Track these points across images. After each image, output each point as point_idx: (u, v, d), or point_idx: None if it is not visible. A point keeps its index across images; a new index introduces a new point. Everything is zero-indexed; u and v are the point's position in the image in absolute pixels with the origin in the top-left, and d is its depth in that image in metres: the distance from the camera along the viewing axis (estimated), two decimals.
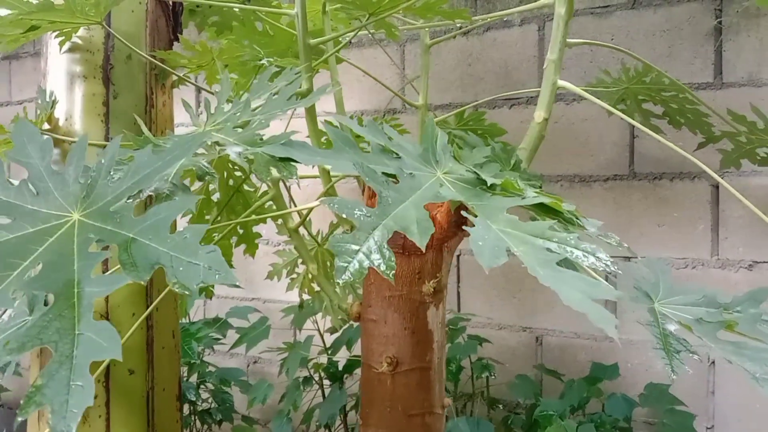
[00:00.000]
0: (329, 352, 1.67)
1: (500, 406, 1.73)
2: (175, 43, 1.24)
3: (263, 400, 1.68)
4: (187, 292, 0.49)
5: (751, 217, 1.55)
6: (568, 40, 1.14)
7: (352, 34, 1.11)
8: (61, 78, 1.11)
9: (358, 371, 1.73)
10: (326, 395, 1.76)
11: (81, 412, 0.42)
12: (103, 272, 1.06)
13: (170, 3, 1.21)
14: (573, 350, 1.76)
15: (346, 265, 0.54)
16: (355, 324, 1.67)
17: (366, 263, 0.54)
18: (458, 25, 1.77)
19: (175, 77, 1.20)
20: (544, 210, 0.68)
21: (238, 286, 0.46)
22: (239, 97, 0.85)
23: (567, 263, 0.57)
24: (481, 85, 1.86)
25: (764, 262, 1.54)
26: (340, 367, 1.71)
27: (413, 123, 1.90)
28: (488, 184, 0.67)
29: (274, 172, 0.63)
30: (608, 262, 0.58)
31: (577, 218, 0.69)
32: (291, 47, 1.35)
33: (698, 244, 1.61)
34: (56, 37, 1.05)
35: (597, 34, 1.70)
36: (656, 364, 1.67)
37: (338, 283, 0.53)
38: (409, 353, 1.08)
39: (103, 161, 0.59)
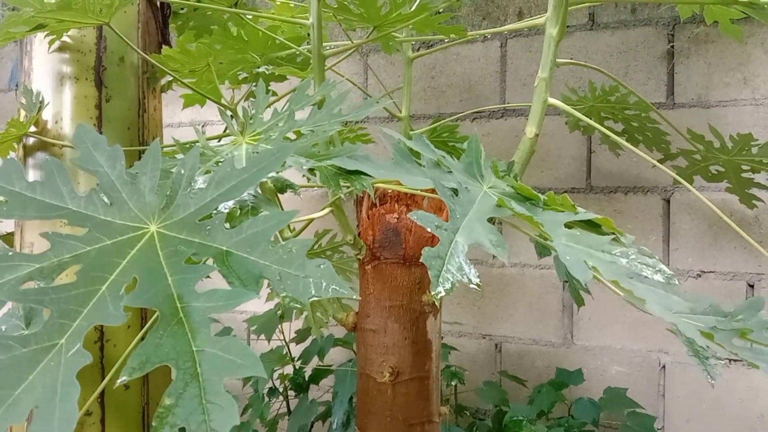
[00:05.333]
0: (300, 361, 1.65)
1: (466, 412, 1.77)
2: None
3: None
4: (298, 306, 0.49)
5: (699, 229, 1.66)
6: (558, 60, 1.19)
7: (357, 45, 1.11)
8: (48, 78, 1.05)
9: (324, 381, 1.72)
10: (290, 406, 1.74)
11: None
12: None
13: (159, 4, 1.17)
14: (531, 357, 1.83)
15: (437, 276, 0.55)
16: (326, 334, 1.66)
17: (456, 278, 0.56)
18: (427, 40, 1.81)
19: (163, 82, 1.17)
20: (590, 225, 0.71)
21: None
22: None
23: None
24: (444, 98, 1.90)
25: (711, 271, 1.65)
26: (306, 378, 1.70)
27: (375, 132, 1.92)
28: (540, 200, 0.70)
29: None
30: (670, 275, 0.61)
31: (614, 233, 0.73)
32: (265, 53, 1.34)
33: None
34: (47, 35, 1.00)
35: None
36: (610, 369, 1.76)
37: (437, 294, 0.54)
38: (410, 363, 1.09)
39: (182, 171, 0.57)
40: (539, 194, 0.72)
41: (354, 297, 0.47)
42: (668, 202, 1.70)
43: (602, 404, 1.56)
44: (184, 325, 0.47)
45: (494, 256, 1.84)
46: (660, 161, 1.55)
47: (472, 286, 0.56)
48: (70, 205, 0.56)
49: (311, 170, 0.66)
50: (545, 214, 0.68)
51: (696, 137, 1.45)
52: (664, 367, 1.70)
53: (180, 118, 2.19)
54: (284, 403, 1.74)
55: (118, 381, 0.44)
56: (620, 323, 1.73)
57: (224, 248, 0.53)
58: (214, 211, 0.55)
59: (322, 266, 0.50)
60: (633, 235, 1.72)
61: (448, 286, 0.55)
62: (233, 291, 0.48)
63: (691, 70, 1.67)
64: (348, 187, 0.65)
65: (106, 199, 0.57)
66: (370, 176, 0.66)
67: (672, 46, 1.68)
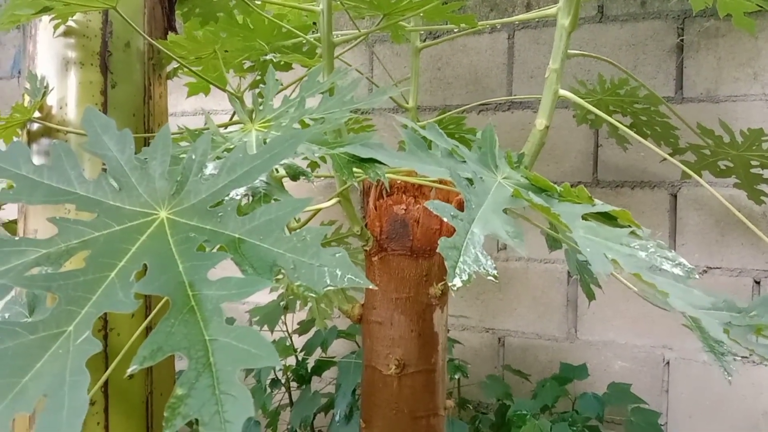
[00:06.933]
0: (303, 353, 1.64)
1: (469, 406, 1.76)
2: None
3: None
4: (313, 295, 0.47)
5: (705, 224, 1.65)
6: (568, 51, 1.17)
7: (367, 33, 1.10)
8: (53, 63, 1.04)
9: (326, 373, 1.71)
10: (293, 398, 1.73)
11: (240, 424, 0.40)
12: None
13: None
14: (534, 351, 1.82)
15: (453, 267, 0.54)
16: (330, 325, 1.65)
17: (473, 270, 0.54)
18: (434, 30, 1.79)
19: (169, 68, 1.15)
20: (605, 218, 0.70)
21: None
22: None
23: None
24: (450, 90, 1.88)
25: (717, 267, 1.64)
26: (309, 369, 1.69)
27: (380, 123, 1.90)
28: (556, 191, 0.69)
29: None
30: (690, 269, 0.60)
31: (633, 225, 0.71)
32: (270, 41, 1.32)
33: None
34: (52, 20, 0.99)
35: None
36: (613, 364, 1.75)
37: (454, 287, 0.52)
38: (416, 355, 1.08)
39: (193, 157, 0.55)
40: (555, 185, 0.70)
41: (371, 286, 0.46)
42: (675, 197, 1.68)
43: (606, 399, 1.55)
44: (196, 313, 0.46)
45: (498, 249, 1.83)
46: (670, 155, 1.54)
47: (489, 277, 0.54)
48: (78, 190, 0.55)
49: (321, 158, 0.64)
50: (561, 206, 0.67)
51: (706, 132, 1.43)
52: (668, 363, 1.69)
53: (183, 107, 2.17)
54: (286, 394, 1.73)
55: (129, 370, 0.42)
56: (624, 318, 1.72)
57: (237, 235, 0.51)
58: (226, 198, 0.54)
59: (337, 255, 0.49)
60: None
61: (465, 277, 0.54)
62: (247, 279, 0.47)
63: (701, 64, 1.65)
64: (357, 177, 0.64)
65: (115, 184, 0.55)
66: (384, 165, 0.64)
67: (681, 40, 1.66)
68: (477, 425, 1.67)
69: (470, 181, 0.65)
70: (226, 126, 1.20)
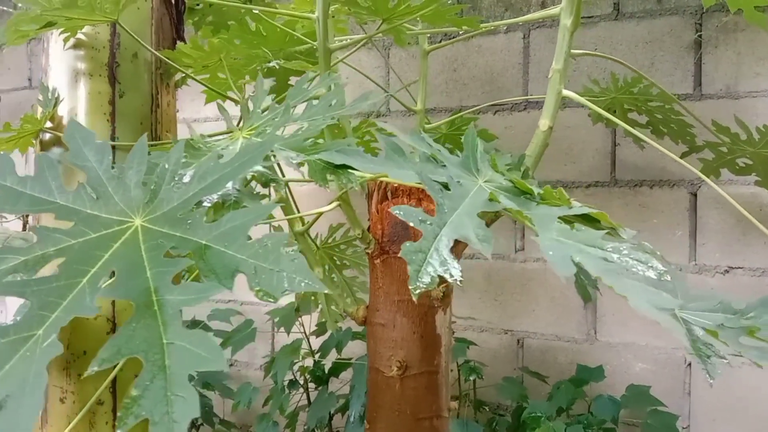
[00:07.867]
0: (318, 354, 1.66)
1: (486, 408, 1.76)
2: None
3: (248, 404, 1.67)
4: (271, 300, 0.49)
5: (726, 224, 1.62)
6: (572, 51, 1.16)
7: (366, 38, 1.11)
8: (63, 75, 1.08)
9: (344, 374, 1.73)
10: (311, 398, 1.75)
11: (186, 424, 0.42)
12: None
13: (173, 0, 1.19)
14: (553, 352, 1.80)
15: (417, 271, 0.55)
16: (344, 327, 1.67)
17: (437, 273, 0.55)
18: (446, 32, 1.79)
19: (177, 77, 1.18)
20: (586, 220, 0.70)
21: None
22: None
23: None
24: (466, 91, 1.89)
25: (739, 267, 1.61)
26: (326, 370, 1.71)
27: (395, 126, 1.91)
28: (534, 194, 0.69)
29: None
30: (662, 272, 0.60)
31: (613, 228, 0.71)
32: (283, 48, 1.34)
33: (676, 249, 1.67)
34: (61, 33, 1.02)
35: (581, 44, 1.74)
36: (634, 366, 1.72)
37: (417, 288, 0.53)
38: (418, 357, 1.09)
39: (166, 166, 0.58)
40: (534, 188, 0.71)
41: (326, 290, 0.47)
42: (695, 195, 1.65)
43: (624, 402, 1.53)
44: (157, 317, 0.48)
45: (516, 251, 1.82)
46: (685, 153, 1.51)
47: (451, 279, 0.55)
48: (58, 200, 0.57)
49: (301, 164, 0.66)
50: (539, 209, 0.67)
51: (721, 129, 1.40)
52: (689, 364, 1.66)
53: (205, 113, 2.22)
54: (304, 395, 1.75)
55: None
56: (644, 319, 1.69)
57: (203, 242, 0.53)
58: (195, 205, 0.55)
59: (295, 260, 0.50)
60: (659, 229, 1.68)
61: (427, 280, 0.54)
62: (206, 285, 0.49)
63: (720, 60, 1.62)
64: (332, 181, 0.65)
65: (93, 194, 0.58)
66: (356, 171, 0.66)
67: (699, 36, 1.63)
68: (494, 427, 1.67)
69: (445, 185, 0.65)
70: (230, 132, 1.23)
